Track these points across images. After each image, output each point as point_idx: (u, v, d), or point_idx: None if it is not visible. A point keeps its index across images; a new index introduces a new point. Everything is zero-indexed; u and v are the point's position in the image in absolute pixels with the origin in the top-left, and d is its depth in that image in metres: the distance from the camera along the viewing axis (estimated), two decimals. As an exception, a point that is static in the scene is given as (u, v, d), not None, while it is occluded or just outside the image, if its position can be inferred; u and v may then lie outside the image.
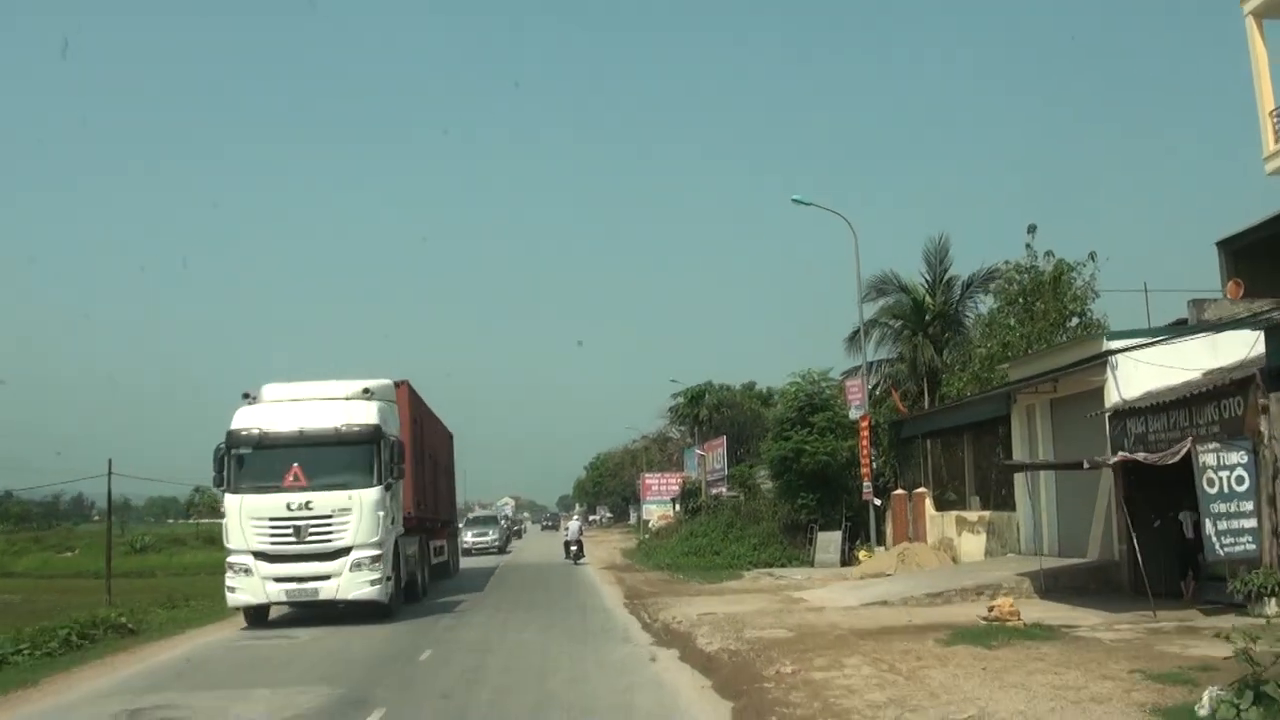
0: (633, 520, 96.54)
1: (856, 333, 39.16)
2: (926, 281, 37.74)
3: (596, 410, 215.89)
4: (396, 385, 21.17)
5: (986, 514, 24.60)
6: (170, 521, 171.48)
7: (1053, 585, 17.62)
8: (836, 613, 16.96)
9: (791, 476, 31.40)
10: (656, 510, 57.63)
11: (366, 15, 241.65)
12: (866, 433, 30.02)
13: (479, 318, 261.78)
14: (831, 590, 21.17)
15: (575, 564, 35.39)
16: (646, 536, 47.19)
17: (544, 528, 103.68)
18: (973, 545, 24.91)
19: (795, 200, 30.99)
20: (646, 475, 65.79)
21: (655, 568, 31.49)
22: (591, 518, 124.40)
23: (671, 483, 64.09)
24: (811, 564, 30.10)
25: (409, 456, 19.79)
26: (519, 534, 68.14)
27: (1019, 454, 22.51)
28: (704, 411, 34.83)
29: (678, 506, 53.65)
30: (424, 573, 23.26)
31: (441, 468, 28.73)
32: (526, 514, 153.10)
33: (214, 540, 74.80)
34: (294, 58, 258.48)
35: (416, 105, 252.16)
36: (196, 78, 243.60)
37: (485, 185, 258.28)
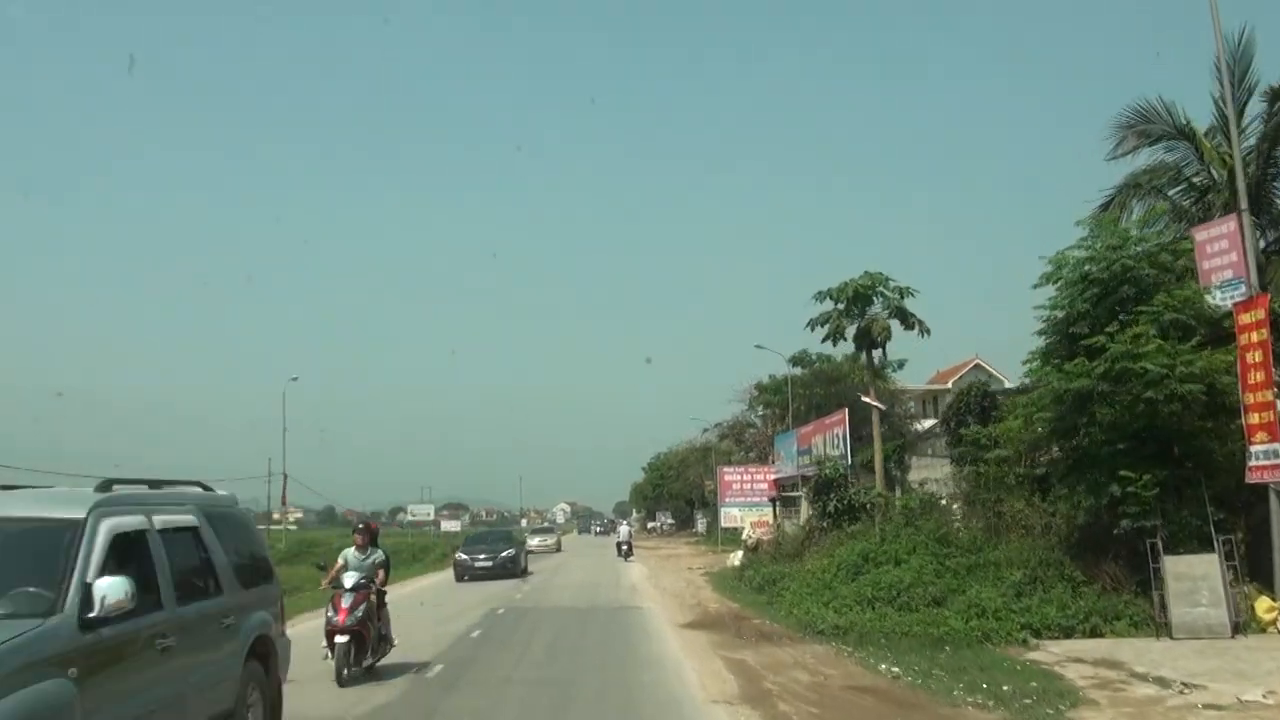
0: (699, 527, 79.27)
1: (1109, 203, 21.64)
2: (1218, 117, 19.97)
3: (658, 408, 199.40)
4: None
5: None
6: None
7: None
8: None
9: (1094, 434, 14.11)
10: (746, 515, 40.36)
11: (438, 33, 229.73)
12: (1262, 338, 13.03)
13: (541, 324, 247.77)
14: None
15: (625, 561, 38.65)
16: (742, 555, 29.95)
17: (596, 533, 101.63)
18: None
19: None
20: (724, 469, 48.74)
21: (805, 628, 14.29)
22: (650, 524, 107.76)
23: (759, 478, 47.00)
24: (1167, 628, 12.93)
25: None
26: (509, 565, 29.64)
27: None
28: (879, 325, 17.09)
29: (795, 508, 36.47)
30: None
31: None
32: (574, 519, 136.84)
33: None
34: (364, 76, 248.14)
35: (488, 122, 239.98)
36: (262, 95, 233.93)
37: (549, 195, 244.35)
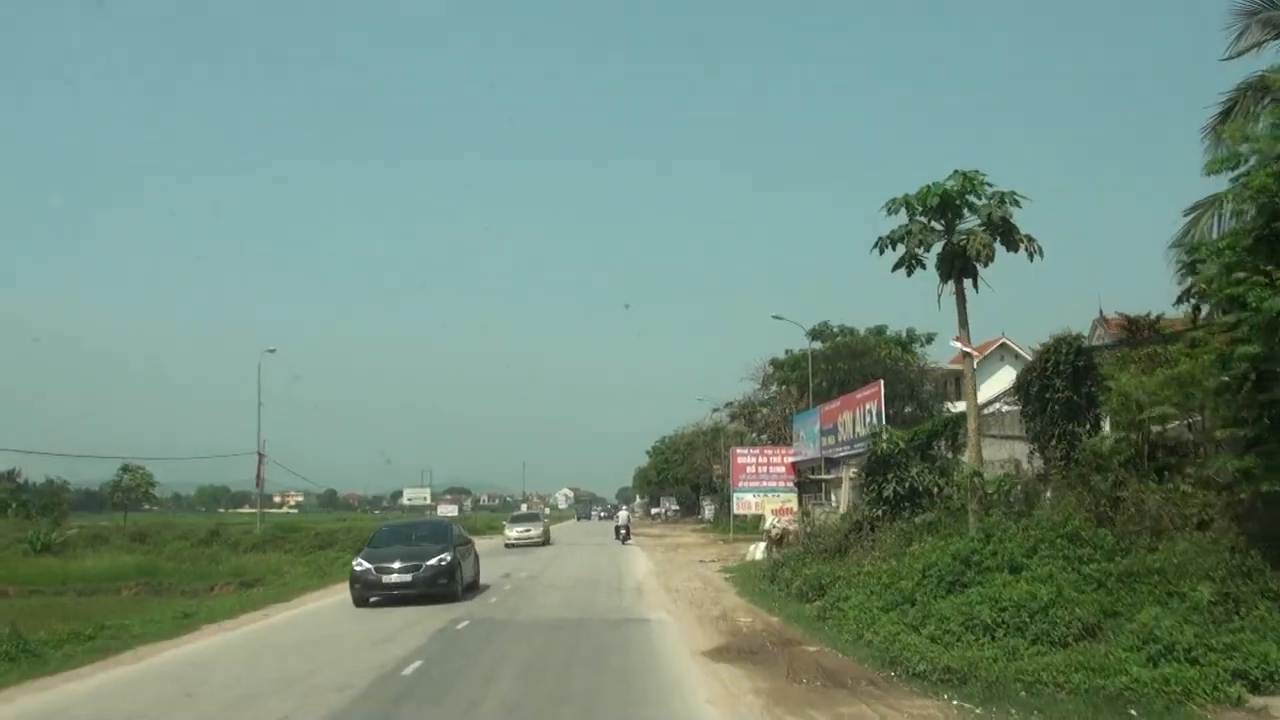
0: (707, 514, 74.74)
1: (1229, 111, 16.81)
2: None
3: (662, 395, 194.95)
4: None
5: None
6: (221, 511, 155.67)
7: None
8: None
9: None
10: (765, 502, 35.76)
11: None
12: None
13: (541, 303, 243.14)
14: None
15: (624, 544, 41.31)
16: (764, 547, 25.29)
17: (600, 518, 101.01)
18: None
19: None
20: (738, 450, 44.08)
21: (892, 666, 9.58)
22: (654, 510, 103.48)
23: (775, 461, 42.44)
24: None
25: None
26: (440, 580, 17.80)
27: None
28: (978, 241, 12.08)
29: (818, 494, 31.99)
30: None
31: None
32: (576, 505, 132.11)
33: (144, 538, 54.35)
34: (359, 46, 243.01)
35: (479, 96, 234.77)
36: (252, 64, 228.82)
37: (545, 173, 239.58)
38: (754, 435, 54.90)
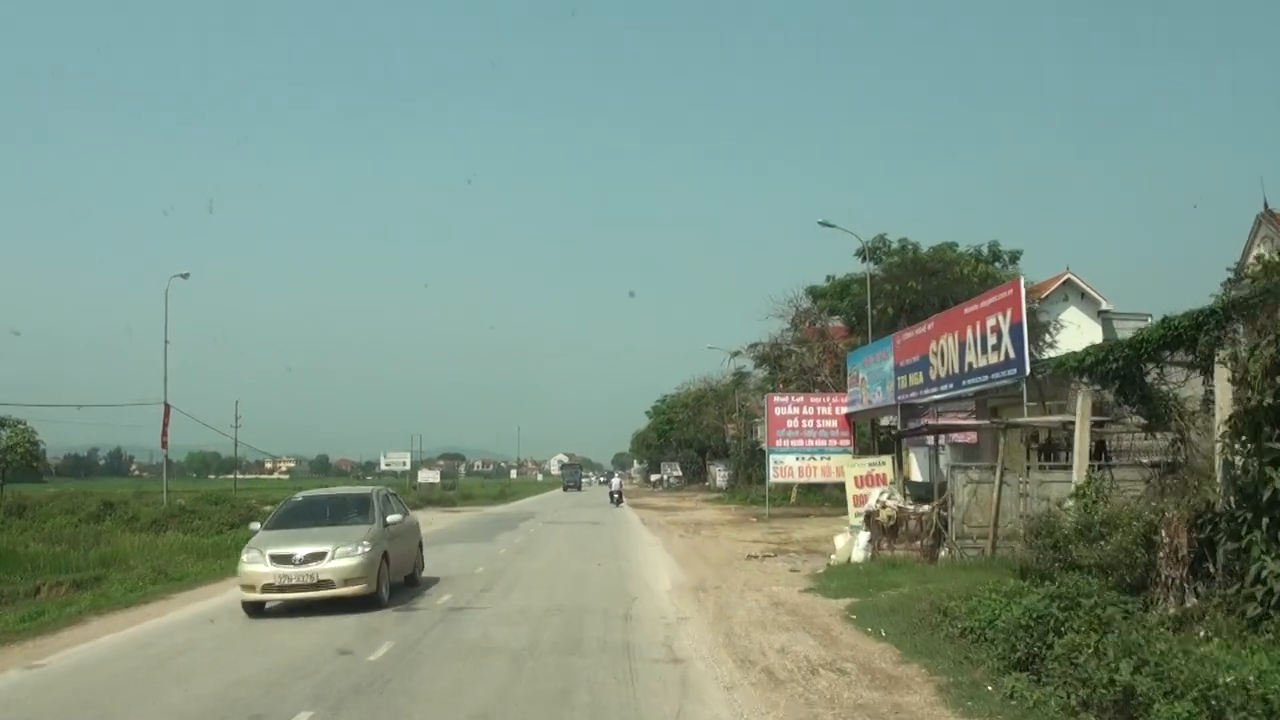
0: (719, 481, 63.78)
1: None
2: None
3: (666, 352, 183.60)
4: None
5: None
6: (211, 478, 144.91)
7: None
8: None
9: None
10: (847, 466, 24.43)
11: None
12: None
13: (528, 261, 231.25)
14: None
15: (617, 507, 44.34)
16: (866, 539, 14.20)
17: (600, 483, 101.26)
18: None
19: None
20: (775, 398, 33.03)
21: None
22: (654, 477, 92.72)
23: (824, 411, 31.54)
24: None
25: None
26: None
27: None
28: None
29: (894, 452, 20.72)
30: None
31: None
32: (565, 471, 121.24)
33: (23, 512, 41.21)
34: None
35: (465, 42, 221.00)
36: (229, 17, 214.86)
37: (533, 124, 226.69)
38: (779, 386, 43.79)
